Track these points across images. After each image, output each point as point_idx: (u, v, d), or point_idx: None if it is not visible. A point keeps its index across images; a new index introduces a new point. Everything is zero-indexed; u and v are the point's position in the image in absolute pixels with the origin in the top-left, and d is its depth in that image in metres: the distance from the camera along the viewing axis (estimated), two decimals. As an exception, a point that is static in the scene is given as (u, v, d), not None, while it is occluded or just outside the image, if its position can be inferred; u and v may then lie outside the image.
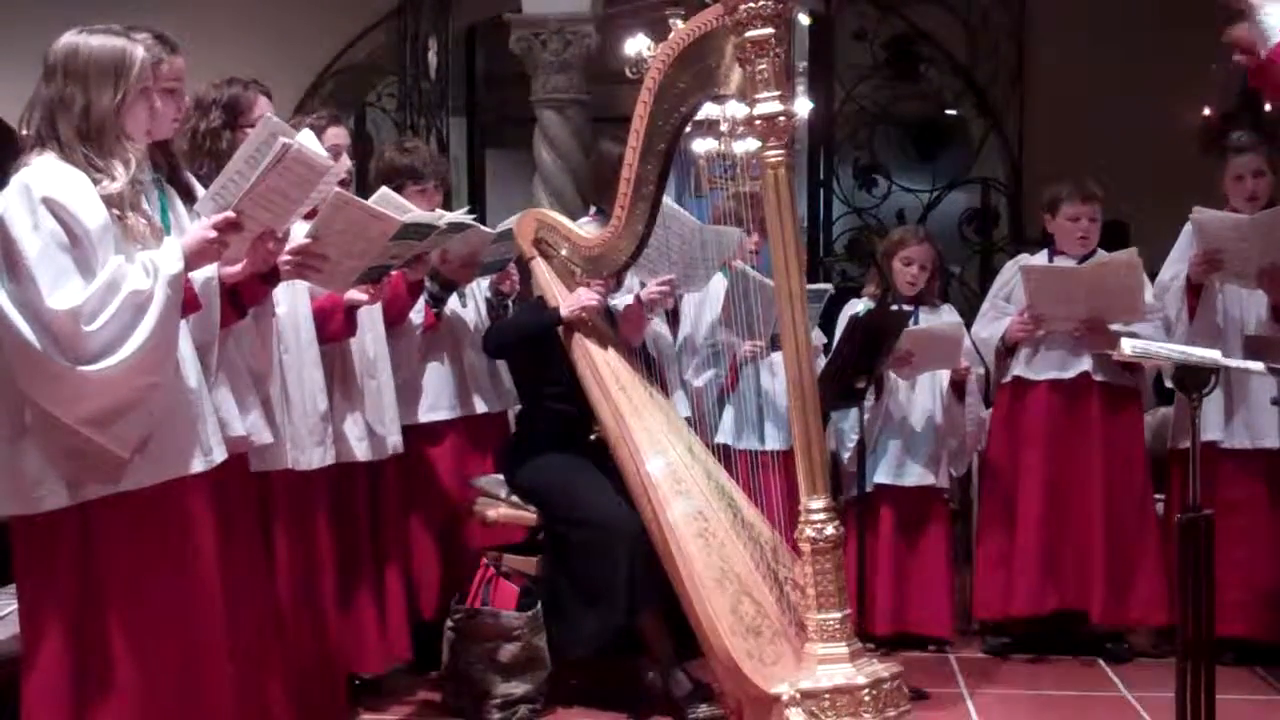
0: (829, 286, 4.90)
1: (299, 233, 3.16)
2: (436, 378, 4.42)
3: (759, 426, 4.45)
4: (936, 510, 4.78)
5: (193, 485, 2.84)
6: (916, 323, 4.70)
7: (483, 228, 4.36)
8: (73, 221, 2.70)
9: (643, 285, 4.33)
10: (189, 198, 3.09)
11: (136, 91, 2.83)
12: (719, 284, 4.45)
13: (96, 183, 2.76)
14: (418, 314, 4.29)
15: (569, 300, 4.13)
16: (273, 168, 2.82)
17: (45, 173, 2.75)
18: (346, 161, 3.75)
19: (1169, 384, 4.49)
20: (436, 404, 4.41)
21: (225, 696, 2.88)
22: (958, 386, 4.71)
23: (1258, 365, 3.55)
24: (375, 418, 3.95)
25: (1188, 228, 4.58)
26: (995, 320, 4.77)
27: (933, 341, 4.60)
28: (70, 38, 2.84)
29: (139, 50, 2.84)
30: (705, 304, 4.55)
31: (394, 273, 3.71)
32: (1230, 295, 4.55)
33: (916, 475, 4.71)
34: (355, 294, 3.62)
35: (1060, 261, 4.72)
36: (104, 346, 2.67)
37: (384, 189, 3.32)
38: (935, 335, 4.63)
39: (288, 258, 3.09)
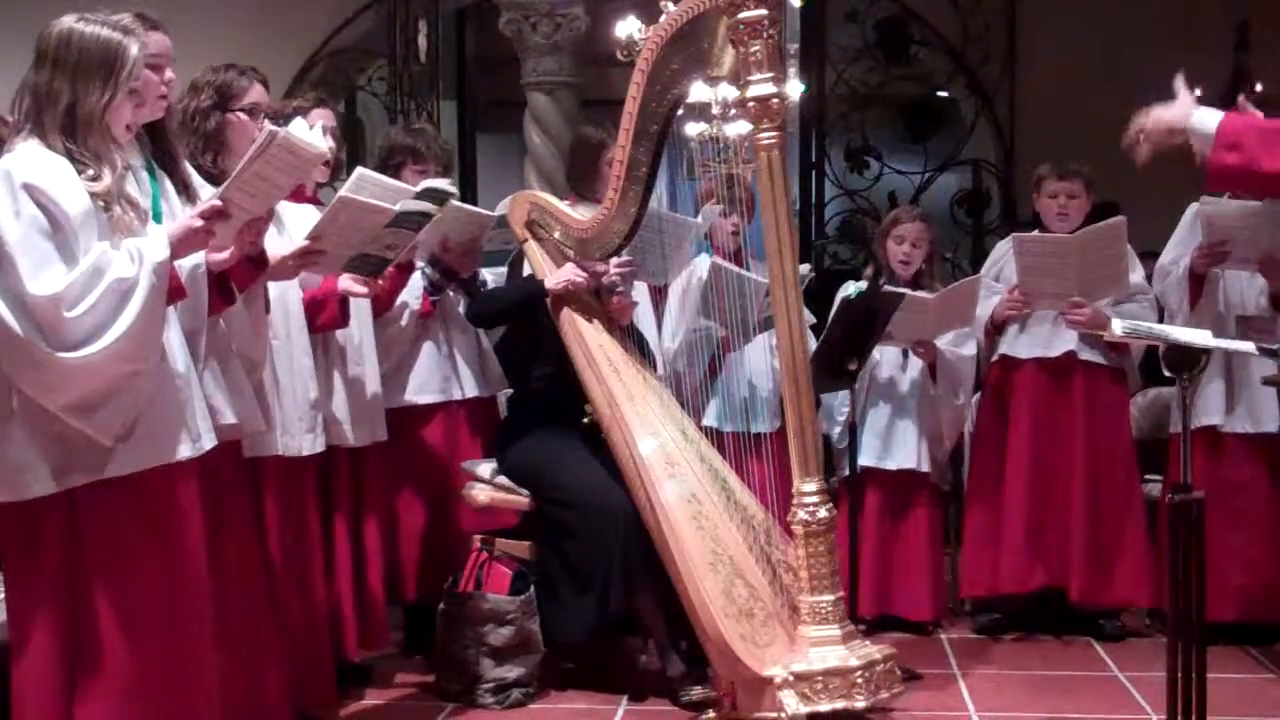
0: (809, 269, 4.89)
1: (298, 227, 3.17)
2: (425, 360, 4.41)
3: (744, 410, 4.44)
4: (921, 494, 4.78)
5: (181, 472, 2.83)
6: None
7: (481, 210, 4.36)
8: (54, 207, 2.68)
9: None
10: (183, 184, 3.07)
11: (126, 91, 2.80)
12: (703, 270, 4.44)
13: (80, 172, 2.75)
14: (415, 300, 4.28)
15: (556, 274, 4.12)
16: (259, 155, 2.82)
17: (27, 159, 2.73)
18: (330, 142, 3.75)
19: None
20: (425, 386, 4.40)
21: (213, 682, 2.88)
22: (931, 370, 4.72)
23: (1248, 345, 3.55)
24: (359, 403, 3.94)
25: (1189, 212, 4.57)
26: (985, 299, 4.78)
27: (951, 299, 4.55)
28: (65, 24, 2.79)
29: (133, 47, 2.79)
30: (689, 290, 4.53)
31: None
32: (1230, 281, 4.54)
33: (900, 459, 4.72)
34: (352, 285, 3.62)
35: None
36: (87, 333, 2.66)
37: (360, 169, 3.31)
38: (952, 293, 4.57)
39: (291, 262, 3.15)
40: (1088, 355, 4.63)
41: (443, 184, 3.56)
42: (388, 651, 4.33)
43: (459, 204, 4.27)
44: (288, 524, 3.57)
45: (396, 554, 4.33)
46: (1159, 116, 3.20)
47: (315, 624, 3.68)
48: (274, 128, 2.83)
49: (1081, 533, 4.59)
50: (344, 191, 3.21)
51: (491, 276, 4.55)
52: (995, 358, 4.79)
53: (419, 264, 4.27)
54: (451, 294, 4.43)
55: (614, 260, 4.11)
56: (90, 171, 2.75)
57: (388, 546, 4.22)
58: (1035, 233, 4.80)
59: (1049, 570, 4.65)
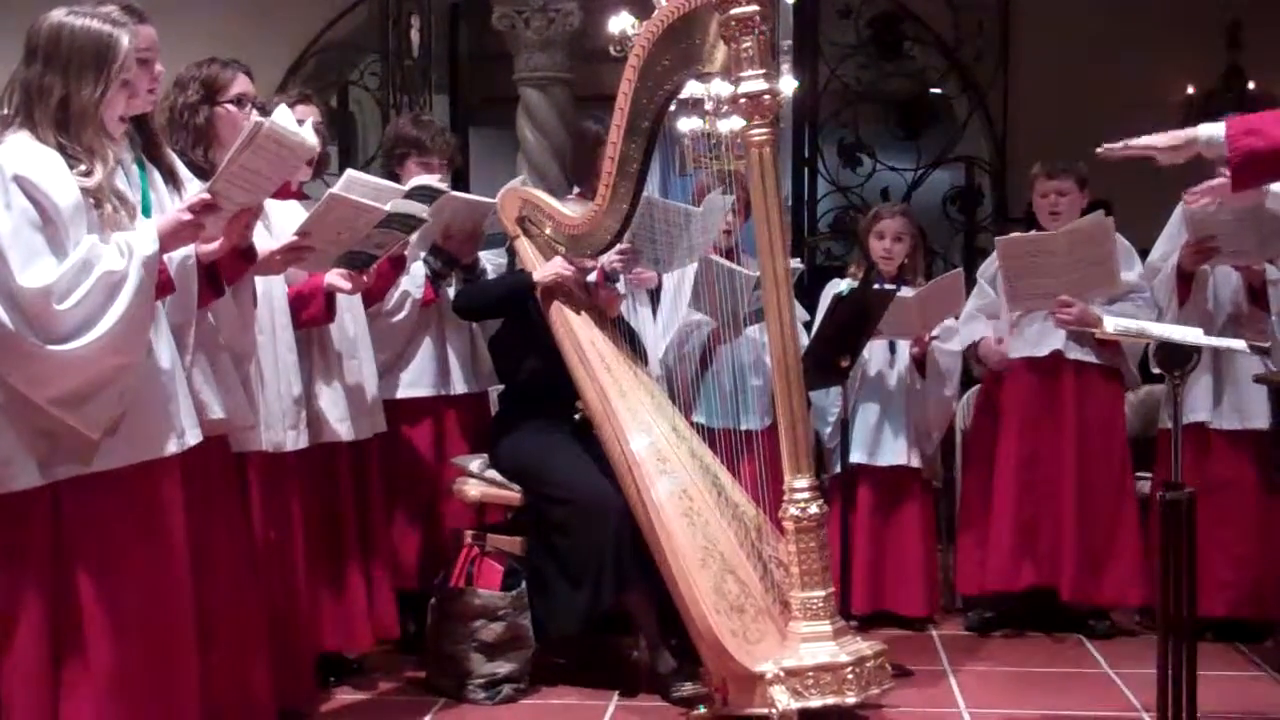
0: (800, 264, 4.89)
1: (284, 223, 3.16)
2: (422, 354, 4.40)
3: (734, 406, 4.44)
4: (913, 490, 4.78)
5: (165, 467, 2.83)
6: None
7: (482, 199, 4.36)
8: (44, 200, 2.68)
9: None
10: (170, 176, 3.07)
11: (119, 84, 2.79)
12: (693, 266, 4.43)
13: (72, 167, 2.74)
14: (417, 289, 4.28)
15: (545, 267, 4.12)
16: (246, 147, 2.82)
17: (17, 151, 2.73)
18: (316, 138, 3.75)
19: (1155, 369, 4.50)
20: (417, 381, 4.39)
21: (195, 677, 2.88)
22: (918, 362, 4.72)
23: (1239, 343, 3.56)
24: (356, 397, 3.93)
25: (1178, 210, 4.58)
26: (973, 320, 4.79)
27: (932, 295, 4.57)
28: (55, 18, 2.79)
29: (124, 39, 2.78)
30: (681, 286, 4.53)
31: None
32: (1219, 277, 4.55)
33: (891, 455, 4.72)
34: (338, 280, 3.61)
35: None
36: (76, 326, 2.66)
37: (349, 171, 3.32)
38: (932, 289, 4.59)
39: (279, 257, 3.13)
40: (1077, 354, 4.63)
41: (433, 180, 3.56)
42: (381, 645, 4.32)
43: (459, 194, 4.28)
44: (271, 520, 3.57)
45: (393, 549, 4.33)
46: (1155, 139, 3.29)
47: (299, 620, 3.67)
48: (259, 119, 2.84)
49: (1073, 532, 4.59)
50: (334, 190, 3.20)
51: (490, 266, 4.55)
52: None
53: (420, 253, 4.27)
54: (452, 287, 4.43)
55: (615, 248, 4.10)
56: (82, 166, 2.75)
57: (389, 542, 4.22)
58: (1018, 234, 4.80)
59: (1040, 569, 4.66)
